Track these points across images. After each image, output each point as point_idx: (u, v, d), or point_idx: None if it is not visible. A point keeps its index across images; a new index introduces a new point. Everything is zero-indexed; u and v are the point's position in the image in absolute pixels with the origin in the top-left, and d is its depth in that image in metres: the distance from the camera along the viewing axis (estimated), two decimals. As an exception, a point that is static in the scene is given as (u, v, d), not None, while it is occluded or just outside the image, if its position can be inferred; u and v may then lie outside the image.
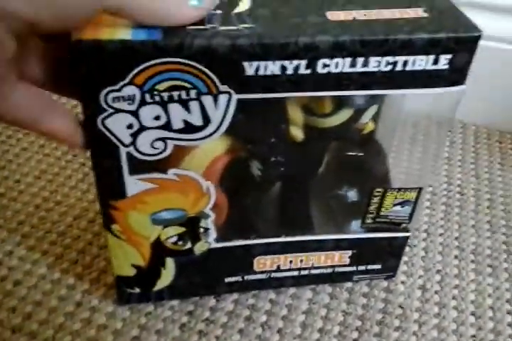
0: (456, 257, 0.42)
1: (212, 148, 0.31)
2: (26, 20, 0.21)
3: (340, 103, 0.31)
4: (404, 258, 0.41)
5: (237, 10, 0.26)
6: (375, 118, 0.34)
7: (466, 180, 0.49)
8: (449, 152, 0.52)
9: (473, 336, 0.36)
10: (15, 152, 0.49)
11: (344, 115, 0.31)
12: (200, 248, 0.33)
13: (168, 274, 0.34)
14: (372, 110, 0.32)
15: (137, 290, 0.35)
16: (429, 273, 0.40)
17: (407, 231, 0.36)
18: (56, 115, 0.26)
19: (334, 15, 0.26)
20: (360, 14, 0.26)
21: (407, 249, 0.42)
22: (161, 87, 0.25)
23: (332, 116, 0.31)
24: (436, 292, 0.39)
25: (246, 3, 0.26)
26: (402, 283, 0.39)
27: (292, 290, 0.38)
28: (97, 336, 0.34)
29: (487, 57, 0.53)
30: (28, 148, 0.49)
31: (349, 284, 0.39)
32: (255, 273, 0.36)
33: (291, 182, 0.37)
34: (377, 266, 0.38)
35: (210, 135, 0.27)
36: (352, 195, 0.38)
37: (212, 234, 0.33)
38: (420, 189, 0.34)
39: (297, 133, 0.33)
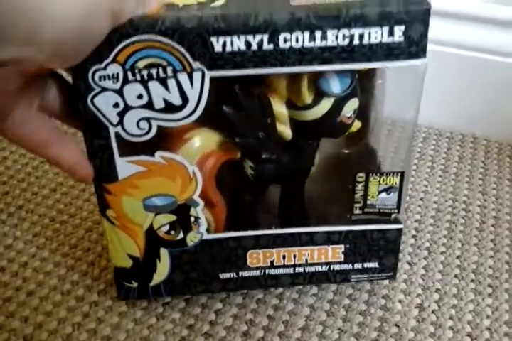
0: (456, 276, 0.42)
1: (202, 143, 0.33)
2: (38, 64, 0.25)
3: (318, 93, 0.33)
4: (404, 277, 0.42)
5: (212, 4, 0.29)
6: (362, 117, 0.36)
7: (473, 196, 0.49)
8: (457, 167, 0.52)
9: (468, 357, 0.37)
10: (34, 165, 0.52)
11: (324, 106, 0.33)
12: (192, 238, 0.35)
13: (163, 267, 0.36)
14: (353, 103, 0.34)
15: (135, 284, 0.37)
16: (428, 291, 0.41)
17: (399, 223, 0.37)
18: (64, 146, 0.30)
19: (296, 1, 0.29)
20: (320, 0, 0.29)
21: (406, 266, 0.43)
22: (141, 64, 0.29)
23: (313, 107, 0.33)
24: (433, 311, 0.39)
25: (222, 0, 0.30)
26: (400, 301, 0.40)
27: (290, 306, 0.39)
28: (101, 347, 0.37)
29: (500, 71, 0.52)
30: (46, 161, 0.52)
31: (347, 301, 0.40)
32: (249, 268, 0.37)
33: (286, 183, 0.38)
34: (374, 264, 0.38)
35: (189, 115, 0.31)
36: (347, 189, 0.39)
37: (203, 225, 0.35)
38: (402, 173, 0.35)
39: (285, 130, 0.35)
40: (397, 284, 0.41)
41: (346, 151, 0.40)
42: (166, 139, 0.32)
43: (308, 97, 0.33)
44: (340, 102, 0.33)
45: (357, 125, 0.36)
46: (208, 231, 0.35)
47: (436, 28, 0.53)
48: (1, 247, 0.44)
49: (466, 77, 0.54)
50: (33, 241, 0.44)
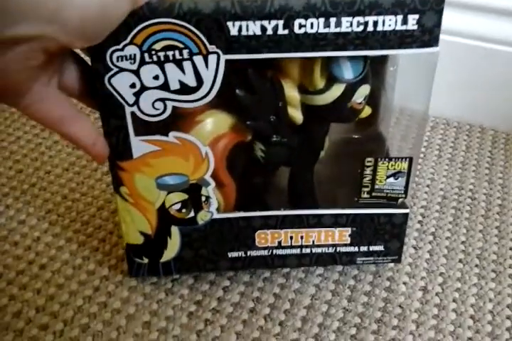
0: (460, 261, 0.42)
1: (215, 125, 0.34)
2: (61, 42, 0.25)
3: (330, 78, 0.33)
4: (409, 260, 0.42)
5: None
6: (372, 103, 0.37)
7: (479, 184, 0.50)
8: (464, 156, 0.53)
9: (470, 339, 0.37)
10: (47, 144, 0.53)
11: (336, 91, 0.34)
12: (202, 217, 0.36)
13: (174, 244, 0.37)
14: (364, 90, 0.34)
15: (145, 260, 0.38)
16: (432, 275, 0.41)
17: (406, 207, 0.38)
18: (81, 123, 0.31)
19: None
20: None
21: (411, 250, 0.43)
22: (158, 46, 0.29)
23: (325, 92, 0.34)
24: (437, 294, 0.40)
25: None
26: (404, 283, 0.41)
27: (296, 285, 0.40)
28: (111, 319, 0.37)
29: (507, 61, 0.53)
30: (59, 141, 0.53)
31: (352, 282, 0.40)
32: (258, 248, 0.38)
33: (296, 166, 0.39)
34: (380, 248, 0.39)
35: (204, 97, 0.31)
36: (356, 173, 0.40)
37: (214, 204, 0.36)
38: (411, 159, 0.36)
39: (296, 114, 0.35)
40: (401, 267, 0.42)
41: (356, 136, 0.41)
42: (179, 120, 0.33)
43: (320, 82, 0.33)
44: (351, 88, 0.34)
45: (367, 111, 0.37)
46: (218, 210, 0.36)
47: (446, 18, 0.54)
48: (15, 222, 0.44)
49: (475, 68, 0.54)
50: (46, 218, 0.45)
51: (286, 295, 0.39)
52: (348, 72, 0.33)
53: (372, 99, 0.36)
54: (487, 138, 0.55)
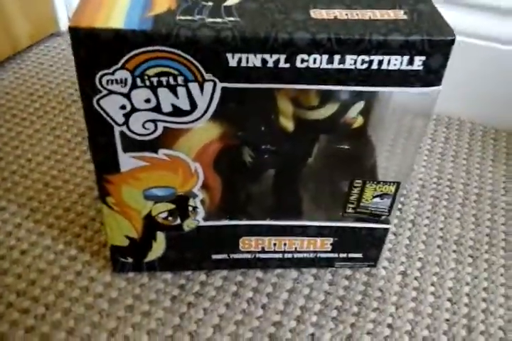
0: (438, 247, 0.43)
1: (204, 134, 0.33)
2: None
3: (325, 97, 0.32)
4: (388, 246, 0.43)
5: (227, 3, 0.28)
6: (365, 113, 0.36)
7: (457, 174, 0.51)
8: (442, 147, 0.54)
9: (447, 320, 0.38)
10: (28, 133, 0.52)
11: (330, 109, 0.33)
12: (188, 225, 0.36)
13: (158, 247, 0.37)
14: (359, 106, 0.34)
15: (130, 260, 0.38)
16: (411, 260, 0.42)
17: (387, 223, 0.38)
18: None
19: (317, 14, 0.28)
20: (342, 13, 0.28)
21: (391, 236, 0.44)
22: (151, 72, 0.28)
23: (319, 109, 0.33)
24: (415, 278, 0.41)
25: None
26: (384, 268, 0.41)
27: (279, 270, 0.40)
28: (93, 303, 0.37)
29: (487, 56, 0.54)
30: (41, 129, 0.52)
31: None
32: (241, 252, 0.38)
33: (282, 170, 0.39)
34: (358, 255, 0.40)
35: (197, 119, 0.30)
36: (343, 185, 0.40)
37: (201, 213, 0.35)
38: (398, 183, 0.36)
39: (287, 124, 0.34)
40: (381, 252, 0.42)
41: (346, 147, 0.41)
42: (168, 134, 0.32)
43: (314, 99, 0.33)
44: (346, 105, 0.33)
45: (359, 121, 0.36)
46: (205, 219, 0.36)
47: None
48: (-5, 209, 0.44)
49: (452, 62, 0.55)
50: (27, 205, 0.45)
51: (269, 278, 0.40)
52: (344, 93, 0.32)
53: (365, 110, 0.35)
54: (465, 130, 0.57)
